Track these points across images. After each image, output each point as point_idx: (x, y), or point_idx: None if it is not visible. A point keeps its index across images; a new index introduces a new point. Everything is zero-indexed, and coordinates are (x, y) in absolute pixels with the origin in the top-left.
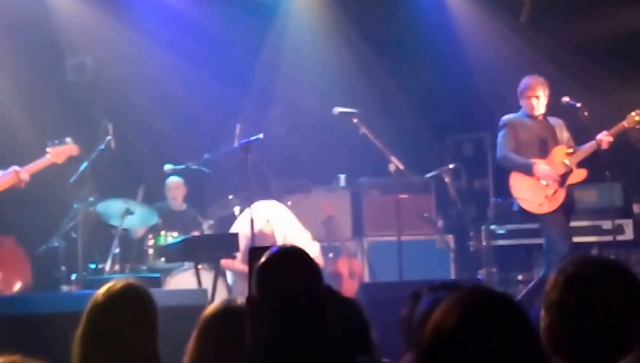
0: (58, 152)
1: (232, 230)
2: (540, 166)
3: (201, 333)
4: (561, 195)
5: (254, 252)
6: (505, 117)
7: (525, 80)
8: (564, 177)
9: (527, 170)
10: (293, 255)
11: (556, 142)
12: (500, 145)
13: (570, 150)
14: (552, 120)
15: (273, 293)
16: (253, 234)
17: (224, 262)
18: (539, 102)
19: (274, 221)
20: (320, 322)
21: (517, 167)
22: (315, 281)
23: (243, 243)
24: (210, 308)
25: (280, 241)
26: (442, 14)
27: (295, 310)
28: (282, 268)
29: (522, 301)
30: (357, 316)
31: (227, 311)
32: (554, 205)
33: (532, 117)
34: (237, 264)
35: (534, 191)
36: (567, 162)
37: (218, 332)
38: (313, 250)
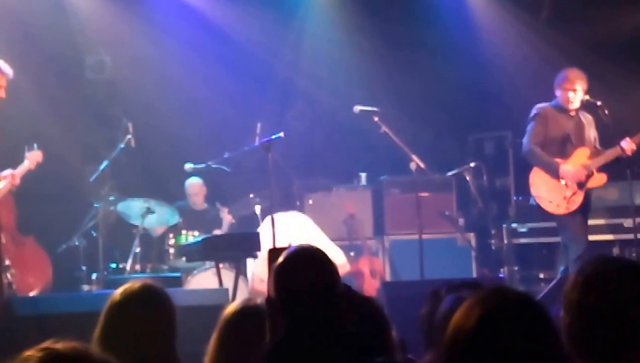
0: (33, 157)
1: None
2: (566, 167)
3: (221, 333)
4: (579, 197)
5: (273, 253)
6: (539, 106)
7: (565, 72)
8: (584, 180)
9: (552, 171)
10: (310, 255)
11: (582, 140)
12: (527, 137)
13: (588, 152)
14: (584, 116)
15: (290, 293)
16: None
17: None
18: (576, 96)
19: (298, 236)
20: (337, 322)
21: (542, 164)
22: (333, 281)
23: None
24: (230, 308)
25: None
26: (462, 11)
27: (313, 310)
28: (299, 269)
29: (543, 300)
30: (377, 315)
31: (247, 310)
32: (572, 207)
33: (565, 110)
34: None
35: (553, 191)
36: (588, 165)
37: (238, 331)
38: (339, 258)
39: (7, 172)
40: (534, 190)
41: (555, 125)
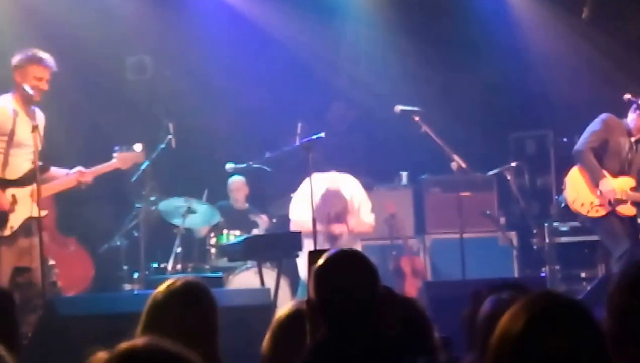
0: (124, 158)
1: (295, 198)
2: (607, 181)
3: (273, 337)
4: (603, 211)
5: (313, 255)
6: (609, 116)
7: None
8: (616, 202)
9: (595, 178)
10: (350, 258)
11: (630, 168)
12: (584, 139)
13: (633, 184)
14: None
15: (330, 296)
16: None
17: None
18: None
19: (341, 181)
20: (377, 324)
21: (588, 168)
22: (373, 283)
23: (305, 205)
24: (283, 311)
25: (348, 197)
26: (503, 9)
27: (353, 313)
28: (339, 272)
29: (585, 301)
30: (419, 316)
31: (300, 313)
32: (593, 214)
33: (631, 133)
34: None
35: (586, 191)
36: (629, 194)
37: (291, 334)
38: (370, 219)
39: (76, 169)
40: (569, 181)
41: (615, 141)
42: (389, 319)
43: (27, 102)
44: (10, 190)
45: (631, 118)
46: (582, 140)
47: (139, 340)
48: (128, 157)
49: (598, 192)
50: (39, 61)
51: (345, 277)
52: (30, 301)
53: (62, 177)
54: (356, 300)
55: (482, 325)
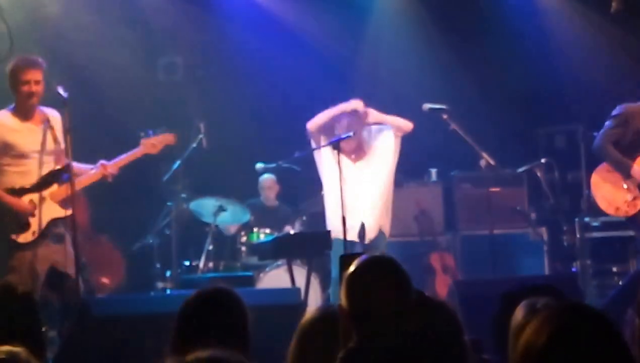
0: (152, 143)
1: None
2: (637, 167)
3: (299, 341)
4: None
5: (344, 260)
6: (623, 106)
7: None
8: None
9: (624, 169)
10: (382, 266)
11: None
12: (601, 135)
13: None
14: None
15: (362, 303)
16: None
17: None
18: None
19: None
20: (408, 332)
21: (613, 162)
22: (405, 291)
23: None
24: (308, 315)
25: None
26: (530, 4)
27: (384, 320)
28: (370, 279)
29: (616, 297)
30: (450, 320)
31: (325, 317)
32: (631, 211)
33: None
34: None
35: (614, 194)
36: None
37: (317, 339)
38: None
39: (99, 163)
40: (594, 192)
41: (634, 128)
42: (421, 325)
43: (28, 110)
44: (27, 196)
45: None
46: (599, 137)
47: (203, 352)
48: (156, 140)
49: (625, 186)
50: (27, 65)
51: (377, 284)
52: (68, 302)
53: (85, 172)
54: (388, 307)
55: (514, 333)
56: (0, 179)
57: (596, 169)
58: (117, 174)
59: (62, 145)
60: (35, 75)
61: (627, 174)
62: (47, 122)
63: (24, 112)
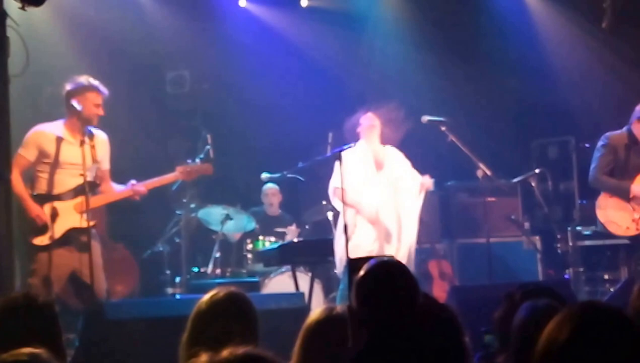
0: (188, 171)
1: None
2: (636, 186)
3: (304, 342)
4: None
5: (353, 263)
6: (608, 135)
7: None
8: None
9: (623, 192)
10: (390, 270)
11: None
12: (593, 166)
13: None
14: None
15: (371, 306)
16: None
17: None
18: None
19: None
20: (417, 334)
21: (612, 189)
22: (413, 294)
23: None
24: (313, 316)
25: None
26: (525, 20)
27: (393, 322)
28: (380, 283)
29: (610, 302)
30: (453, 322)
31: (330, 319)
32: None
33: (637, 142)
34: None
35: (620, 215)
36: None
37: (321, 339)
38: (426, 181)
39: (130, 183)
40: (601, 216)
41: (623, 155)
42: (428, 327)
43: (81, 126)
44: (52, 204)
45: (633, 127)
46: (592, 169)
47: (239, 349)
48: (192, 169)
49: (631, 208)
50: (96, 89)
51: (386, 288)
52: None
53: (114, 189)
54: (397, 310)
55: (517, 331)
56: (33, 183)
57: (597, 199)
58: (146, 194)
59: (102, 166)
60: (101, 99)
61: (626, 198)
62: (90, 140)
63: (73, 128)
